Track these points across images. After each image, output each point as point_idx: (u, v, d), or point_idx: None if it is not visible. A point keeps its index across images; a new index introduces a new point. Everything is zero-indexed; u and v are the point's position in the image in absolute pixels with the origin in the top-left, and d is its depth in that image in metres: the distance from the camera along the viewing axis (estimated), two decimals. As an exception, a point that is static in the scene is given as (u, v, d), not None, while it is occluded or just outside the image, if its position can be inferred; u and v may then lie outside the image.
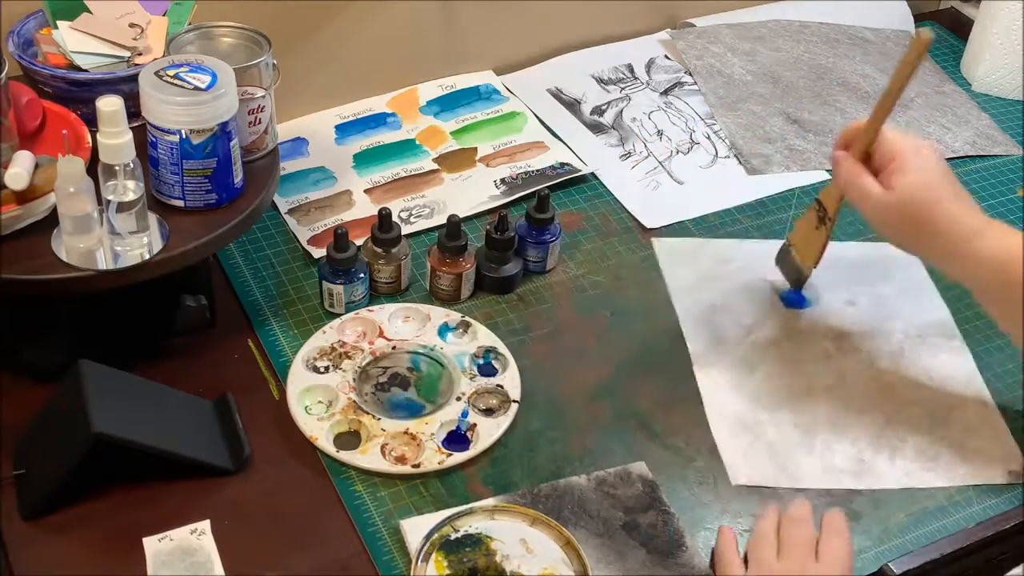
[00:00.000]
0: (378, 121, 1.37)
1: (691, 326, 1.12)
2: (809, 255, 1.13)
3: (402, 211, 1.25)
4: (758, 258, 1.21)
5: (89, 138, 1.02)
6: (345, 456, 0.99)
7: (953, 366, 1.12)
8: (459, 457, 0.99)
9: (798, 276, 1.17)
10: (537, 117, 1.40)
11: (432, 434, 1.01)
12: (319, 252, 1.18)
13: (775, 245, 1.20)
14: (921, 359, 1.12)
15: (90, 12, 1.10)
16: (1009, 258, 0.95)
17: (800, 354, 1.11)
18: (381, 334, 1.10)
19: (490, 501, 0.96)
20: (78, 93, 1.06)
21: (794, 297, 1.17)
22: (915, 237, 0.99)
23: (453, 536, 0.92)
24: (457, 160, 1.33)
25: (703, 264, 1.20)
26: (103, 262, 0.97)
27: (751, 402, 1.05)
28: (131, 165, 0.94)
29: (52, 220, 0.97)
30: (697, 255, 1.21)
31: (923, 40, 0.98)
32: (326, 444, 0.99)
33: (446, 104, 1.41)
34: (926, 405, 1.08)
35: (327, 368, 1.06)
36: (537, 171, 1.31)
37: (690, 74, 1.50)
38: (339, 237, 1.09)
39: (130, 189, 0.95)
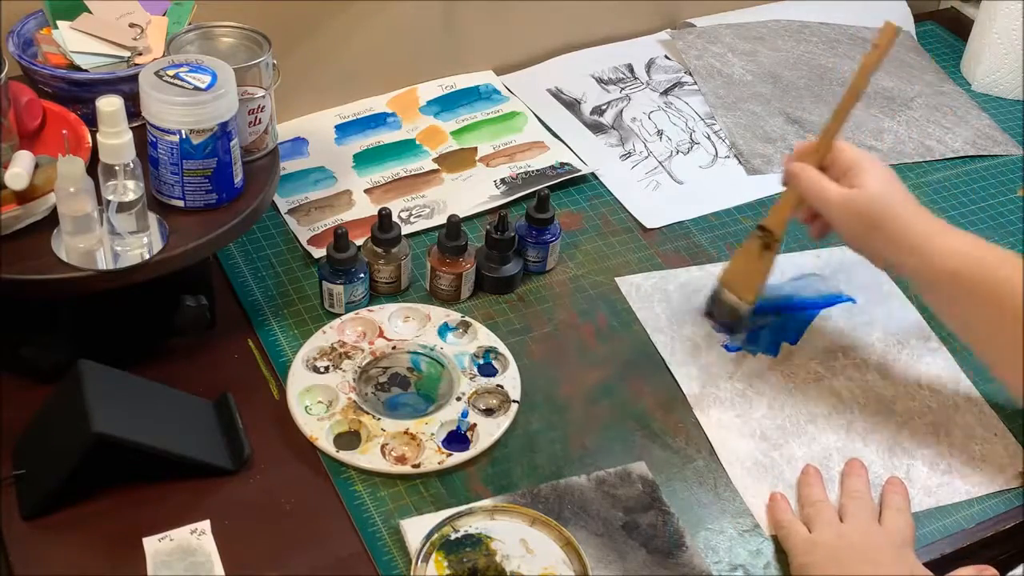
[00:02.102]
0: (378, 121, 1.37)
1: (680, 367, 1.10)
2: (749, 288, 1.10)
3: (402, 211, 1.25)
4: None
5: (89, 138, 1.02)
6: (345, 456, 0.99)
7: (938, 368, 1.12)
8: (459, 457, 0.99)
9: (735, 317, 1.12)
10: (537, 117, 1.40)
11: (432, 434, 1.01)
12: (319, 252, 1.18)
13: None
14: (907, 366, 1.12)
15: (90, 12, 1.10)
16: (967, 256, 0.98)
17: (792, 380, 1.10)
18: (381, 334, 1.10)
19: (490, 501, 0.96)
20: (78, 93, 1.06)
21: (734, 348, 1.13)
22: (879, 236, 1.00)
23: (453, 536, 0.92)
24: (457, 160, 1.33)
25: (674, 299, 1.17)
26: (103, 262, 0.97)
27: (760, 441, 1.04)
28: (131, 165, 0.94)
29: (52, 220, 0.97)
30: (665, 290, 1.18)
31: (890, 29, 1.00)
32: (326, 444, 0.99)
33: (446, 104, 1.41)
34: (926, 416, 1.08)
35: (327, 368, 1.06)
36: (537, 171, 1.31)
37: (690, 74, 1.50)
38: (339, 237, 1.09)
39: (130, 189, 0.95)
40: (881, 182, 1.00)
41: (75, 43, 1.08)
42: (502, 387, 1.05)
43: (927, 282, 1.01)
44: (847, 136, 1.41)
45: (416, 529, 0.93)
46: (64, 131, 0.99)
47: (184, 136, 0.99)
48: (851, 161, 1.02)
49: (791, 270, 1.21)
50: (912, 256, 0.99)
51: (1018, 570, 0.86)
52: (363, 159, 1.32)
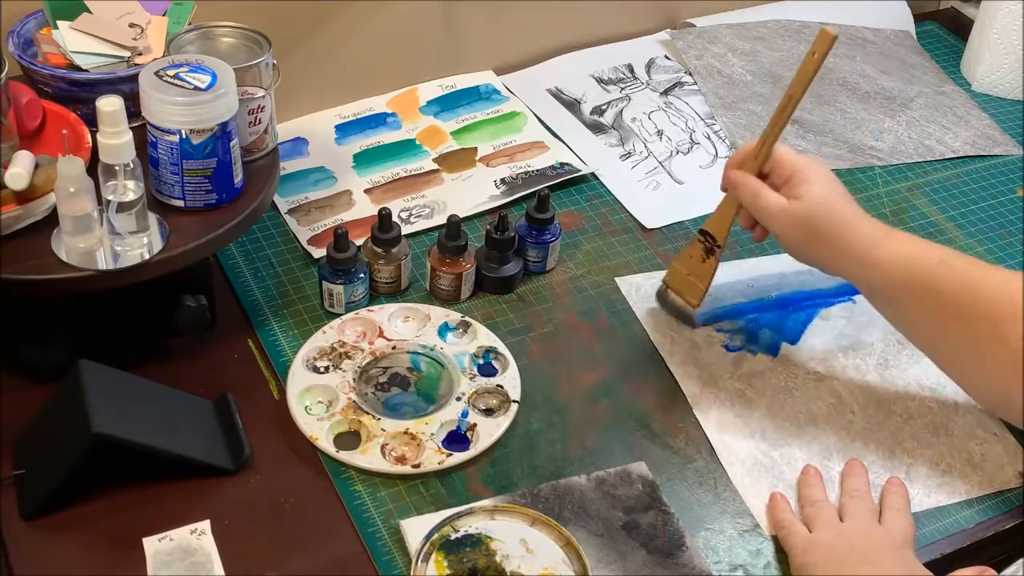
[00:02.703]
0: (378, 121, 1.37)
1: (680, 367, 1.10)
2: (693, 293, 1.11)
3: (402, 211, 1.25)
4: (726, 283, 1.19)
5: (89, 138, 1.02)
6: (345, 456, 0.99)
7: (937, 368, 1.12)
8: (459, 457, 0.99)
9: (683, 318, 1.13)
10: (537, 117, 1.40)
11: (432, 434, 1.01)
12: (319, 252, 1.18)
13: (740, 265, 1.20)
14: (907, 366, 1.12)
15: (90, 12, 1.10)
16: (911, 260, 0.98)
17: (792, 381, 1.10)
18: (381, 334, 1.10)
19: (490, 501, 0.96)
20: (78, 93, 1.06)
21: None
22: (822, 245, 1.00)
23: (453, 536, 0.92)
24: (457, 160, 1.33)
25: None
26: (103, 262, 0.97)
27: (760, 441, 1.04)
28: (131, 165, 0.94)
29: (52, 220, 0.97)
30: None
31: (828, 37, 0.99)
32: (326, 444, 0.99)
33: (446, 104, 1.41)
34: (925, 416, 1.07)
35: (327, 368, 1.06)
36: (537, 171, 1.31)
37: (690, 74, 1.50)
38: (339, 237, 1.09)
39: (130, 189, 0.95)
40: (823, 191, 0.99)
41: (75, 43, 1.08)
42: (502, 387, 1.05)
43: (871, 288, 1.01)
44: (848, 135, 1.41)
45: (416, 529, 0.93)
46: (64, 131, 0.99)
47: (184, 136, 0.99)
48: (792, 168, 1.01)
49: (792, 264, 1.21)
50: (855, 265, 1.00)
51: (1011, 568, 0.86)
52: (363, 159, 1.32)
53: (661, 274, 1.18)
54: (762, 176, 1.04)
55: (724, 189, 1.07)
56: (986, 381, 0.98)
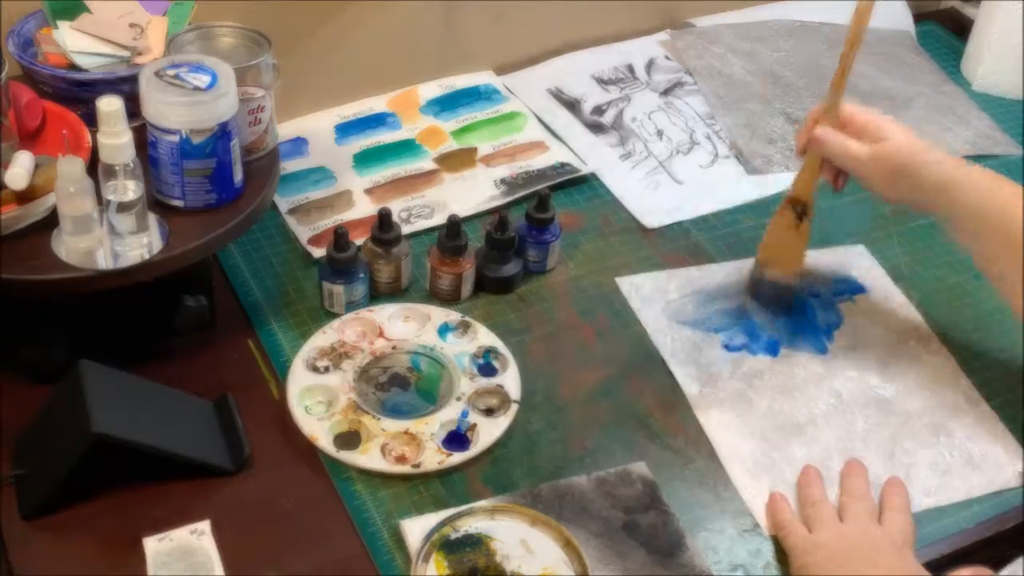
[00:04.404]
0: (378, 121, 1.37)
1: (680, 367, 1.10)
2: (792, 261, 1.14)
3: (402, 211, 1.25)
4: (728, 281, 1.19)
5: (89, 138, 1.02)
6: (345, 456, 0.99)
7: (938, 367, 1.12)
8: (459, 457, 0.99)
9: (785, 292, 1.15)
10: (537, 117, 1.40)
11: (432, 434, 1.01)
12: (319, 252, 1.18)
13: (740, 264, 1.20)
14: (907, 366, 1.12)
15: (90, 12, 1.10)
16: (989, 192, 1.03)
17: (792, 380, 1.10)
18: (381, 334, 1.10)
19: (490, 501, 0.96)
20: (78, 93, 1.06)
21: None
22: (905, 182, 1.05)
23: (453, 536, 0.92)
24: (457, 160, 1.33)
25: (674, 299, 1.17)
26: (103, 262, 0.97)
27: (760, 441, 1.04)
28: (131, 165, 0.94)
29: (52, 220, 0.97)
30: (665, 290, 1.18)
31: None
32: (326, 444, 0.99)
33: (446, 104, 1.41)
34: (926, 416, 1.08)
35: (327, 368, 1.06)
36: (537, 171, 1.31)
37: (690, 74, 1.50)
38: (339, 237, 1.09)
39: (130, 189, 0.95)
40: (901, 134, 1.06)
41: (75, 43, 1.08)
42: (502, 387, 1.05)
43: (954, 219, 1.05)
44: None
45: (416, 529, 0.93)
46: (64, 131, 0.99)
47: (184, 136, 0.99)
48: (864, 120, 1.07)
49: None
50: (939, 195, 1.04)
51: (1008, 569, 0.86)
52: (363, 159, 1.32)
53: (661, 274, 1.18)
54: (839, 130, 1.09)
55: (802, 152, 1.11)
56: None
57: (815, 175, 1.10)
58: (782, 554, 0.95)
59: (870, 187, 1.08)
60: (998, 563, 0.95)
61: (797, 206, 1.12)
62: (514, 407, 1.04)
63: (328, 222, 1.22)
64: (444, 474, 0.99)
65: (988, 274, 1.06)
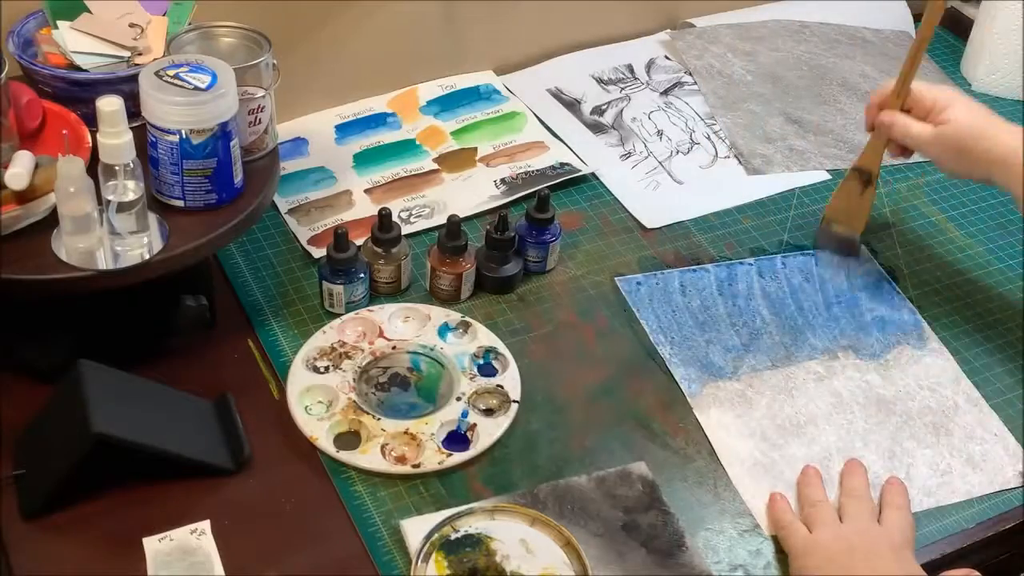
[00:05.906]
0: (378, 121, 1.37)
1: (680, 368, 1.10)
2: (856, 220, 1.22)
3: (402, 211, 1.25)
4: (728, 282, 1.19)
5: (89, 138, 1.02)
6: (345, 456, 0.99)
7: (938, 368, 1.12)
8: (459, 457, 0.99)
9: (850, 245, 1.23)
10: (537, 117, 1.40)
11: (432, 434, 1.01)
12: (319, 252, 1.18)
13: (739, 267, 1.20)
14: (907, 366, 1.12)
15: (90, 12, 1.10)
16: None
17: (792, 381, 1.10)
18: (381, 334, 1.10)
19: (490, 501, 0.96)
20: (78, 93, 1.06)
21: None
22: (968, 158, 1.10)
23: (453, 536, 0.92)
24: (457, 160, 1.33)
25: (674, 299, 1.17)
26: (103, 262, 0.97)
27: (760, 441, 1.04)
28: (131, 165, 0.94)
29: (52, 220, 0.97)
30: (665, 290, 1.18)
31: None
32: (326, 444, 0.99)
33: (446, 104, 1.41)
34: (926, 416, 1.08)
35: (327, 368, 1.06)
36: (537, 171, 1.31)
37: (690, 74, 1.50)
38: (339, 237, 1.09)
39: (130, 189, 0.95)
40: (965, 112, 1.11)
41: (75, 43, 1.08)
42: (502, 387, 1.05)
43: (1012, 191, 1.08)
44: (848, 135, 1.41)
45: (416, 529, 0.93)
46: (64, 131, 0.99)
47: (184, 136, 0.99)
48: (932, 99, 1.13)
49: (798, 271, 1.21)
50: (1001, 168, 1.08)
51: None
52: (363, 159, 1.32)
53: (661, 274, 1.18)
54: (904, 111, 1.15)
55: (870, 130, 1.18)
56: None
57: (881, 150, 1.18)
58: (782, 554, 0.95)
59: (935, 162, 1.15)
60: (1000, 563, 0.95)
61: (864, 174, 1.20)
62: (514, 407, 1.04)
63: (328, 222, 1.22)
64: (444, 474, 0.99)
65: None
